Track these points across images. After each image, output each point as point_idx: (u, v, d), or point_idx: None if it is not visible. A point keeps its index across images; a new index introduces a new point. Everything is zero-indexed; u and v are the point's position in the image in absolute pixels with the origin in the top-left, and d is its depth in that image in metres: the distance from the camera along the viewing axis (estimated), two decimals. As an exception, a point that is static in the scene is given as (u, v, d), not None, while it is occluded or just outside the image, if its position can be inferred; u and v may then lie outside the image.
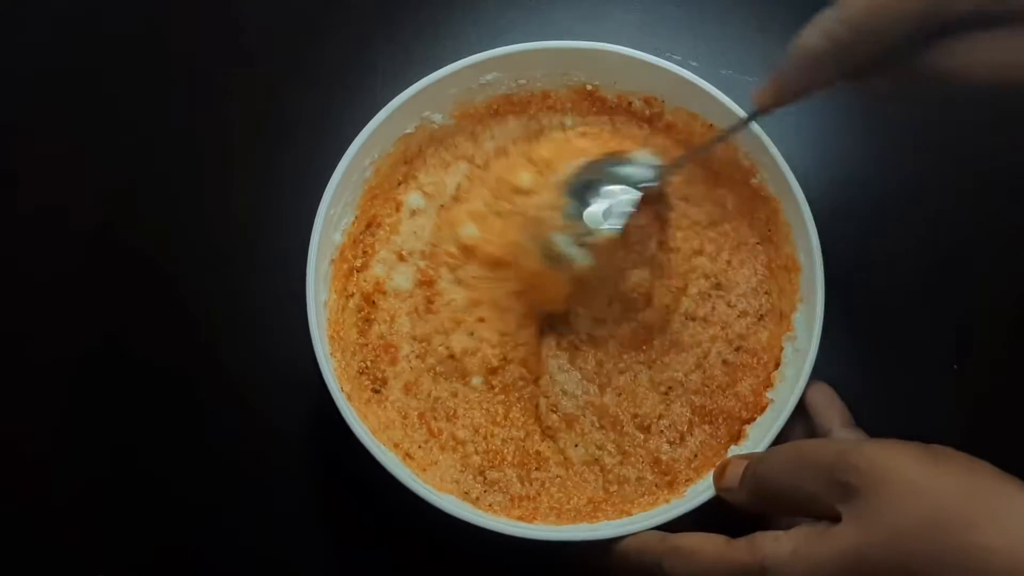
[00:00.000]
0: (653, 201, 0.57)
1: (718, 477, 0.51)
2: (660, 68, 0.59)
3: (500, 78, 0.60)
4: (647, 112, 0.62)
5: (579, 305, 0.59)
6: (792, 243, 0.58)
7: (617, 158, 0.56)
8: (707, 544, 0.47)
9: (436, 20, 0.71)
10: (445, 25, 0.71)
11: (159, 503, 0.60)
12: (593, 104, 0.63)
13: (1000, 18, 0.42)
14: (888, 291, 0.64)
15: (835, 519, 0.42)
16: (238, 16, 0.71)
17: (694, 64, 0.59)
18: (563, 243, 0.55)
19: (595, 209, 0.55)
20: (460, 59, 0.59)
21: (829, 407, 0.54)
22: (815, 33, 0.45)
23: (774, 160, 0.57)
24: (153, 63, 0.70)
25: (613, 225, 0.54)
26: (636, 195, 0.55)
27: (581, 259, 0.55)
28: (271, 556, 0.59)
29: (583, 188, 0.55)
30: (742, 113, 0.58)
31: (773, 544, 0.43)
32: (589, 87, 0.61)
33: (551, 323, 0.60)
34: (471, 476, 0.56)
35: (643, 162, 0.56)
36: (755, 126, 0.57)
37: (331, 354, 0.55)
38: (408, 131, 0.60)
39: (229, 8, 0.72)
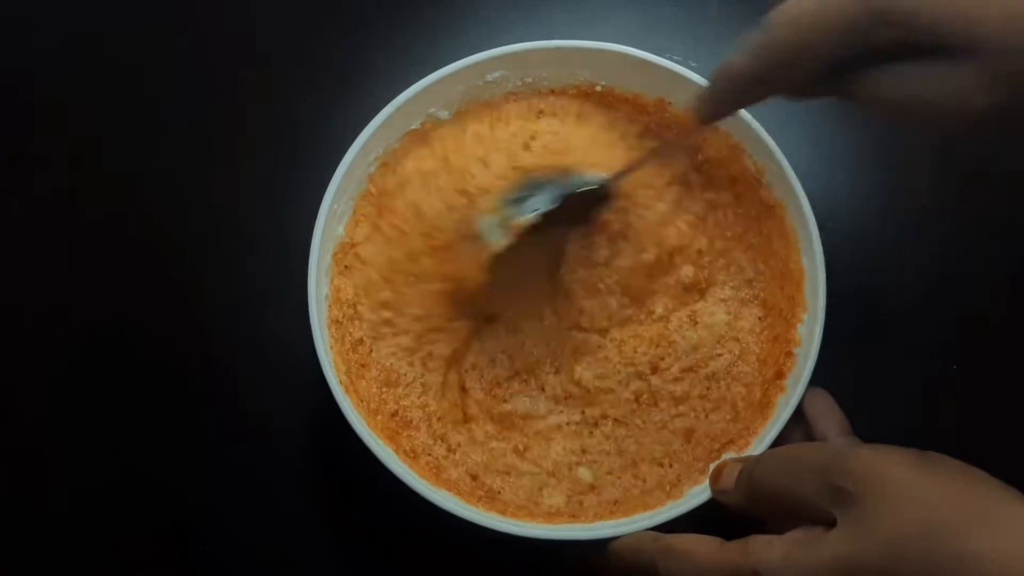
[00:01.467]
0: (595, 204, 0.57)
1: (714, 479, 0.51)
2: (670, 71, 0.59)
3: (507, 76, 0.60)
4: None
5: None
6: (797, 250, 0.58)
7: (564, 173, 0.56)
8: (700, 545, 0.47)
9: (436, 21, 0.70)
10: (445, 26, 0.70)
11: (159, 502, 0.60)
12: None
13: (917, 50, 0.41)
14: (888, 292, 0.64)
15: (830, 524, 0.42)
16: (240, 16, 0.71)
17: (694, 64, 0.59)
18: (483, 223, 0.55)
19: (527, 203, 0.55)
20: (460, 59, 0.59)
21: (828, 415, 0.54)
22: (740, 55, 0.45)
23: (780, 165, 0.57)
24: (158, 63, 0.69)
25: (531, 212, 0.55)
26: (559, 191, 0.55)
27: (496, 239, 0.55)
28: (271, 553, 0.59)
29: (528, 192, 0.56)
30: (753, 122, 0.58)
31: (766, 548, 0.44)
32: (599, 87, 0.61)
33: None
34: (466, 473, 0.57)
35: (591, 179, 0.56)
36: (762, 131, 0.57)
37: (331, 347, 0.56)
38: (414, 127, 0.60)
39: (231, 9, 0.71)
